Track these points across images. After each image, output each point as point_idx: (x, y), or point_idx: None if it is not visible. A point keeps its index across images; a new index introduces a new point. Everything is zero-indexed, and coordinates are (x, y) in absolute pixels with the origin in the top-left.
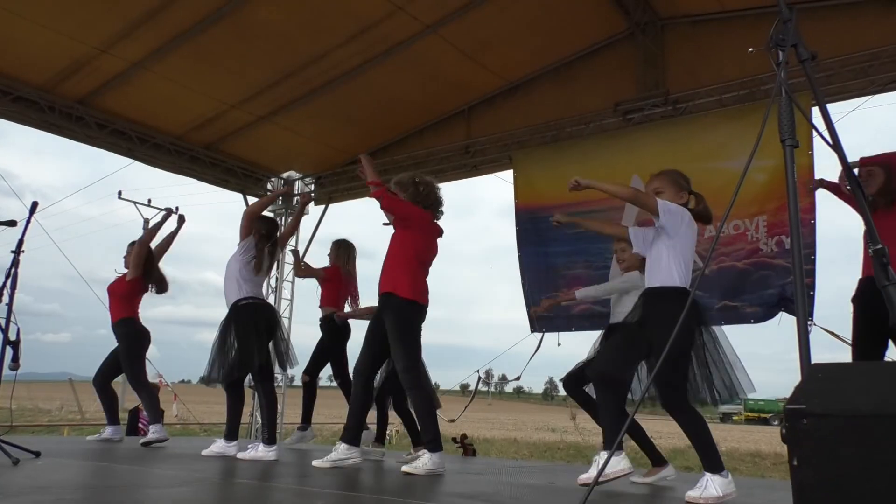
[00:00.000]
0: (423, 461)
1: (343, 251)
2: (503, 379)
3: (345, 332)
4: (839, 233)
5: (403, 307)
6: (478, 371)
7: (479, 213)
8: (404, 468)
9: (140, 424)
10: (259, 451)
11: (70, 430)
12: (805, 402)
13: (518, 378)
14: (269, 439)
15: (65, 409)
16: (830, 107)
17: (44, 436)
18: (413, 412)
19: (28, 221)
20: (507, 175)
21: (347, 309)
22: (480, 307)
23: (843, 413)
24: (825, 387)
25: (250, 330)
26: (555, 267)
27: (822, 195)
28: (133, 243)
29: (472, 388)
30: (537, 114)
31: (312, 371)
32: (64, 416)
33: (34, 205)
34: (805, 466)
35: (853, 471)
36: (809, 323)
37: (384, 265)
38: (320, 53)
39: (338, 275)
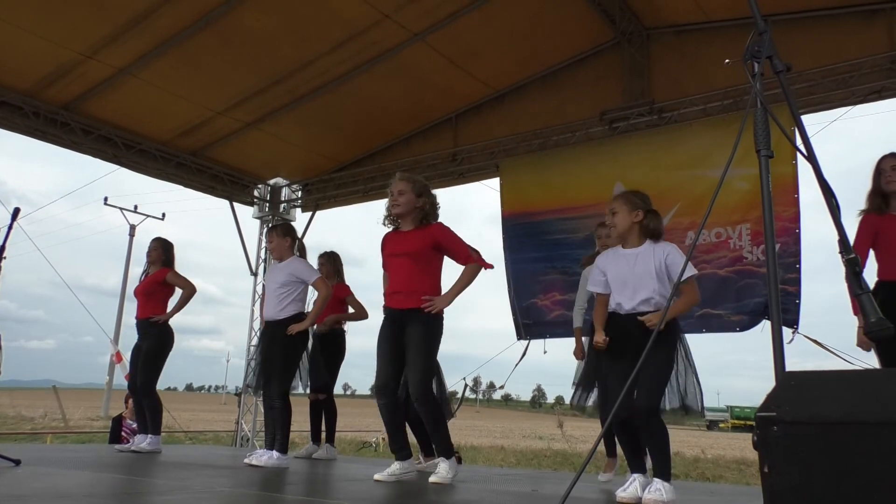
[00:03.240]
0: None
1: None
2: (491, 386)
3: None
4: (824, 242)
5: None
6: (464, 378)
7: (469, 222)
8: (432, 479)
9: (123, 433)
10: (274, 459)
11: (53, 437)
12: (776, 410)
13: (502, 386)
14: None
15: (48, 416)
16: (812, 117)
17: (26, 444)
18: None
19: (10, 227)
20: (494, 183)
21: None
22: (468, 315)
23: (812, 420)
24: (796, 394)
25: None
26: (535, 272)
27: (805, 203)
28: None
29: (460, 395)
30: (524, 122)
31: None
32: (47, 424)
33: (16, 211)
34: (776, 473)
35: (823, 478)
36: (794, 331)
37: (416, 281)
38: (307, 60)
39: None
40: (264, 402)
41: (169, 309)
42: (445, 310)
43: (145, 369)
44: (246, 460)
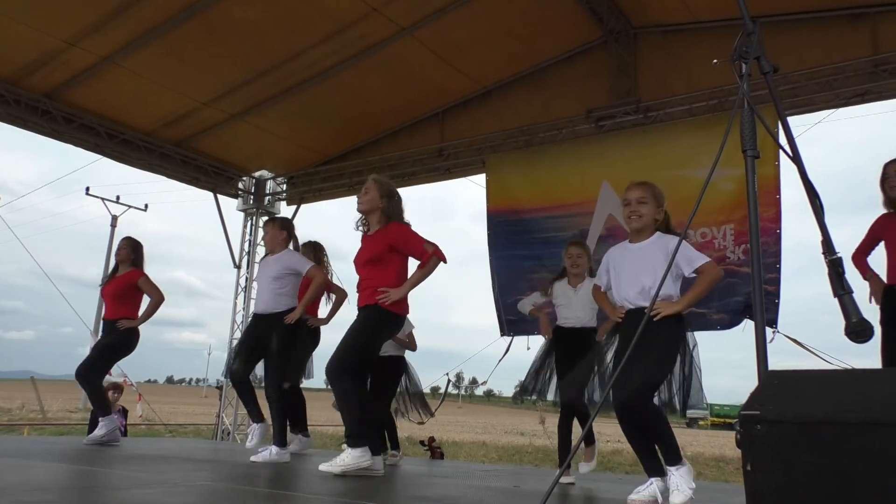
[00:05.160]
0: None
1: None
2: (473, 382)
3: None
4: (805, 242)
5: None
6: (447, 374)
7: (455, 218)
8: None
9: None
10: (273, 454)
11: (31, 429)
12: (759, 409)
13: (485, 382)
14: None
15: (26, 408)
16: (797, 119)
17: (3, 435)
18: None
19: None
20: (480, 179)
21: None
22: (452, 311)
23: (795, 419)
24: (780, 393)
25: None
26: (521, 270)
27: (787, 204)
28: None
29: (442, 390)
30: (511, 118)
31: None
32: (25, 416)
33: None
34: (758, 472)
35: (806, 476)
36: (774, 331)
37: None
38: (294, 53)
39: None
40: (244, 389)
41: (140, 311)
42: (426, 306)
43: (97, 356)
44: (252, 458)
